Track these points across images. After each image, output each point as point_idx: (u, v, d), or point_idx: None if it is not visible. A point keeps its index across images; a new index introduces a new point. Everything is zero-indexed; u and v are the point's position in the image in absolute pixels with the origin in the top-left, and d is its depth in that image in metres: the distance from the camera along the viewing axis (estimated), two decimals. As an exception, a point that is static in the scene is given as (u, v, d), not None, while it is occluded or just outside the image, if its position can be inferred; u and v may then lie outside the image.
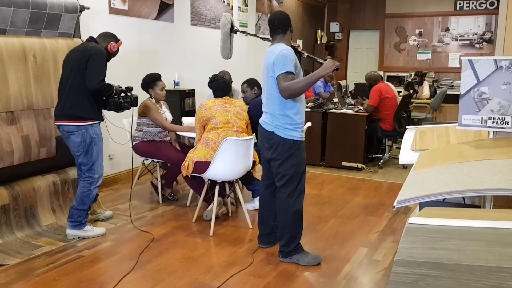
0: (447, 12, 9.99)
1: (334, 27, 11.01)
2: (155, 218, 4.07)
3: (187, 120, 4.83)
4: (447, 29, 10.06)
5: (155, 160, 4.48)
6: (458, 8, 9.89)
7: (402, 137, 6.68)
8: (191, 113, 5.74)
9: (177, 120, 5.16)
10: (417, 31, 10.31)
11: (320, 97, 7.63)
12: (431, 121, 7.62)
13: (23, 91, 3.63)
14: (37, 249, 3.33)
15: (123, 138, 4.58)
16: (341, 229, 3.85)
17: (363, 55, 11.04)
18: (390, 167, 6.14)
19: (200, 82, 6.32)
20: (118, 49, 3.57)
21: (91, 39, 3.52)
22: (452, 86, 9.56)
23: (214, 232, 3.70)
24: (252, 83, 4.51)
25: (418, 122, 7.01)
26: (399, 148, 6.82)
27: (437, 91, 8.57)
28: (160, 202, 4.47)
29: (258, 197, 4.16)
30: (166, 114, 4.53)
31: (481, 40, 9.72)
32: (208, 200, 4.00)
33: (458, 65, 9.89)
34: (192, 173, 3.77)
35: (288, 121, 3.05)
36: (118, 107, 3.48)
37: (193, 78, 6.27)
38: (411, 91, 6.23)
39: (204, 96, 6.29)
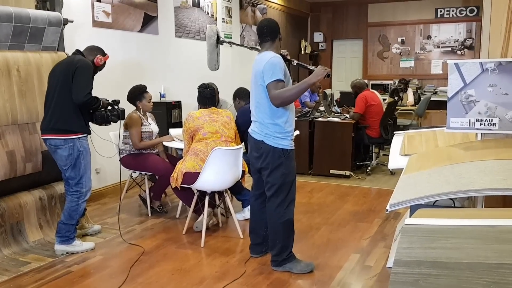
0: (428, 20, 10.16)
1: (318, 36, 11.11)
2: (144, 231, 4.02)
3: (174, 132, 4.80)
4: (428, 37, 10.22)
5: (143, 173, 4.44)
6: (439, 16, 10.06)
7: (388, 144, 6.78)
8: (178, 124, 5.71)
9: (164, 132, 5.13)
10: (399, 39, 10.45)
11: (306, 106, 7.67)
12: (417, 127, 7.70)
13: (8, 106, 3.58)
14: (25, 265, 3.26)
15: (110, 151, 4.54)
16: (332, 236, 3.85)
17: (347, 64, 11.15)
18: (378, 174, 6.17)
19: (186, 94, 6.34)
20: (104, 62, 3.55)
21: (77, 52, 3.50)
22: (436, 92, 9.70)
23: (205, 243, 3.66)
24: (234, 95, 4.52)
25: (404, 128, 7.08)
26: (386, 155, 6.95)
27: (421, 98, 8.68)
28: (149, 215, 4.42)
29: (248, 207, 4.14)
30: (152, 126, 4.49)
31: (462, 47, 9.89)
32: (198, 211, 3.97)
33: (440, 72, 10.06)
34: (181, 184, 3.74)
35: (278, 129, 3.05)
36: (105, 120, 3.45)
37: (179, 89, 6.25)
38: (396, 98, 6.30)
39: (190, 108, 6.28)
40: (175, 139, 4.50)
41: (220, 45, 4.42)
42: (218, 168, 3.62)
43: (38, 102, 3.80)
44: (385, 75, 10.53)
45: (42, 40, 3.97)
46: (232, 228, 4.04)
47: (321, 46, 11.15)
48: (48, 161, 3.77)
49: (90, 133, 3.47)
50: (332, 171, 5.98)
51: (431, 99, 8.52)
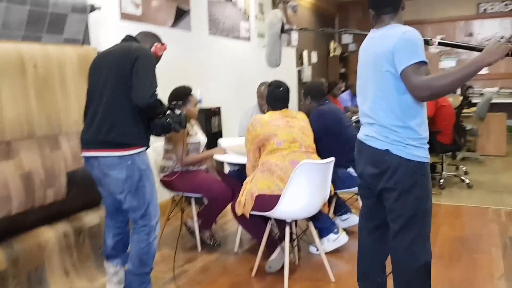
0: (470, 16, 9.32)
1: (347, 38, 10.25)
2: (200, 273, 3.09)
3: (226, 143, 3.88)
4: (470, 34, 9.36)
5: (190, 196, 3.52)
6: (481, 11, 9.21)
7: (460, 150, 5.84)
8: (217, 135, 4.81)
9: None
10: (438, 37, 9.56)
11: (348, 111, 6.78)
12: (477, 132, 6.79)
13: (22, 114, 2.68)
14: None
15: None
16: (452, 275, 2.91)
17: (379, 67, 10.25)
18: (453, 188, 5.23)
19: (225, 99, 5.45)
20: (162, 54, 2.66)
21: (129, 38, 2.59)
22: (482, 94, 8.79)
23: (288, 290, 2.75)
24: (305, 92, 3.62)
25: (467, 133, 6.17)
26: (453, 165, 6.02)
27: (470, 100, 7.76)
28: (199, 249, 3.50)
29: (329, 237, 3.24)
30: (199, 135, 3.60)
31: (509, 44, 9.00)
32: (271, 246, 3.05)
33: (485, 72, 9.16)
34: (252, 211, 2.83)
35: (411, 134, 2.13)
36: (166, 130, 2.53)
37: (217, 94, 5.36)
38: (469, 97, 5.41)
39: (231, 115, 5.39)
40: (229, 151, 3.58)
41: (283, 35, 3.56)
42: (304, 188, 2.71)
43: (61, 109, 2.91)
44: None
45: (63, 30, 3.09)
46: (315, 267, 3.12)
47: (351, 47, 10.28)
48: (73, 185, 2.88)
49: (149, 146, 2.55)
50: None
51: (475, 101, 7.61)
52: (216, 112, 4.88)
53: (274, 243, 3.06)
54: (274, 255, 3.01)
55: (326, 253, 3.28)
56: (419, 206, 2.17)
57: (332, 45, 9.84)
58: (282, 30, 3.52)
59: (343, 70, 10.08)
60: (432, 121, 5.16)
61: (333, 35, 10.12)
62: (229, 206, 3.33)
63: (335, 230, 3.33)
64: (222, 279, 2.98)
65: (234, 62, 5.93)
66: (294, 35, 7.97)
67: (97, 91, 2.41)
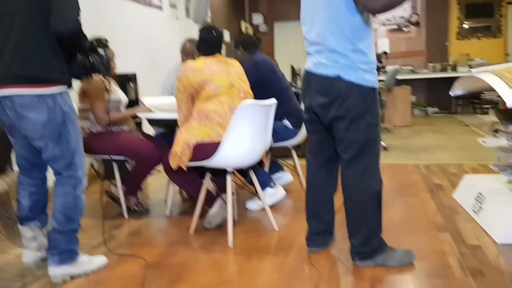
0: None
1: (257, 18, 10.24)
2: (131, 236, 2.80)
3: (148, 101, 3.55)
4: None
5: (113, 159, 3.19)
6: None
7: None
8: (134, 103, 4.47)
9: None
10: None
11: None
12: (386, 103, 7.12)
13: None
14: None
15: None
16: (389, 216, 2.93)
17: (290, 49, 10.39)
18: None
19: (140, 67, 5.10)
20: None
21: None
22: (385, 72, 9.28)
23: (233, 242, 2.57)
24: (237, 43, 3.46)
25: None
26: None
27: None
28: (126, 216, 3.19)
29: (266, 191, 3.13)
30: (119, 93, 3.28)
31: (408, 23, 9.61)
32: (210, 201, 2.84)
33: (387, 50, 9.67)
34: (190, 161, 2.60)
35: (362, 58, 2.07)
36: (90, 70, 2.19)
37: (131, 61, 4.99)
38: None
39: (146, 84, 5.07)
40: (154, 110, 3.30)
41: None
42: (247, 132, 2.54)
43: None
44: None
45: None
46: (255, 220, 2.98)
47: (262, 28, 10.29)
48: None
49: (72, 87, 2.19)
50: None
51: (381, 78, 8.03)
52: (132, 78, 4.53)
53: (211, 198, 2.86)
54: (213, 210, 2.82)
55: (262, 209, 3.17)
56: (370, 133, 2.11)
57: (243, 24, 9.77)
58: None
59: (254, 50, 10.05)
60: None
61: (244, 15, 10.06)
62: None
63: (272, 184, 3.22)
64: (157, 239, 2.72)
65: (148, 31, 5.59)
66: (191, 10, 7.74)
67: (5, 17, 2.00)
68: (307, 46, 2.24)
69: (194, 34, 7.10)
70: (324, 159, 2.30)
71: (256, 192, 3.16)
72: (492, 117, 2.77)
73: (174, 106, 3.18)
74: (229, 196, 2.61)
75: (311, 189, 2.36)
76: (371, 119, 2.11)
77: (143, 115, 3.23)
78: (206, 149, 2.56)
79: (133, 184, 3.25)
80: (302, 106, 3.50)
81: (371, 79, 2.09)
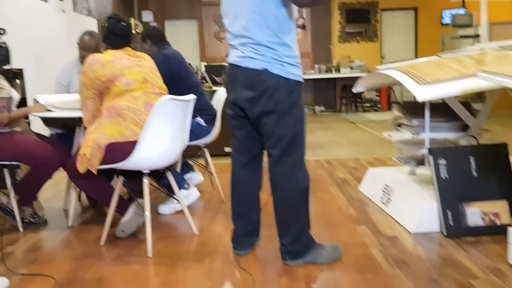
0: (261, -1, 9.96)
1: (147, 16, 9.87)
2: (31, 252, 2.45)
3: (44, 98, 3.15)
4: (263, 16, 10.03)
5: (3, 165, 2.78)
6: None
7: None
8: (23, 102, 3.99)
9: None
10: (235, 19, 10.00)
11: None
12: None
13: None
14: None
15: None
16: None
17: (181, 47, 10.15)
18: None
19: (25, 63, 4.56)
20: None
21: None
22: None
23: (152, 251, 2.38)
24: (144, 36, 3.24)
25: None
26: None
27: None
28: (21, 229, 2.80)
29: (186, 192, 2.99)
30: (9, 90, 2.88)
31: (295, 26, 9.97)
32: (122, 208, 2.60)
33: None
34: (102, 164, 2.35)
35: (287, 51, 2.04)
36: None
37: (14, 55, 4.43)
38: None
39: (34, 82, 4.56)
40: (51, 108, 2.94)
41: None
42: (166, 130, 2.37)
43: None
44: (224, 57, 9.93)
45: None
46: (171, 224, 2.81)
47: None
48: None
49: None
50: (227, 149, 5.05)
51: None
52: (18, 74, 4.03)
53: (123, 203, 2.63)
54: (126, 216, 2.58)
55: (177, 212, 3.02)
56: (298, 128, 2.10)
57: (133, 21, 9.33)
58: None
59: (145, 48, 9.67)
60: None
61: (133, 12, 9.62)
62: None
63: (186, 185, 3.07)
64: (63, 254, 2.41)
65: (31, 22, 5.03)
66: (92, 4, 7.25)
67: None
68: (231, 39, 2.15)
69: (82, 28, 6.59)
70: (250, 155, 2.23)
71: (170, 194, 3.00)
72: (395, 113, 2.94)
73: (74, 103, 2.89)
74: (146, 200, 2.41)
75: (238, 188, 2.27)
76: (299, 113, 2.09)
77: (39, 114, 2.86)
78: (120, 149, 2.33)
79: (28, 193, 2.87)
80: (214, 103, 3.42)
81: (297, 72, 2.07)
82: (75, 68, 3.41)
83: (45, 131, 3.33)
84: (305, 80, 9.39)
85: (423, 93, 2.42)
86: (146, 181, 2.43)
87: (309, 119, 8.76)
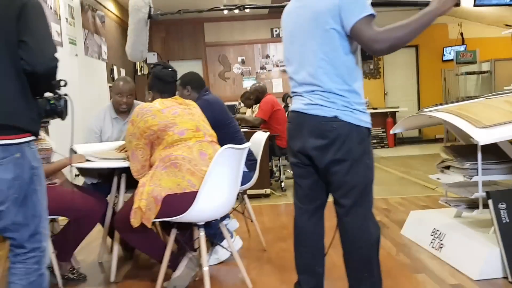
0: (265, 40, 10.11)
1: (152, 57, 9.91)
2: (80, 313, 2.32)
3: (82, 148, 3.05)
4: (267, 56, 10.15)
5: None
6: (274, 36, 10.10)
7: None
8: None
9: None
10: (239, 59, 10.11)
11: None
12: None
13: None
14: None
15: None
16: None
17: (186, 87, 10.21)
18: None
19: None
20: None
21: None
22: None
23: (210, 308, 2.26)
24: (183, 83, 3.20)
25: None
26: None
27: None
28: (61, 286, 2.66)
29: (224, 243, 2.89)
30: (48, 140, 2.80)
31: None
32: (173, 263, 2.49)
33: (281, 91, 10.02)
34: (156, 218, 2.25)
35: (357, 99, 2.00)
36: (51, 114, 1.79)
37: None
38: (289, 105, 5.74)
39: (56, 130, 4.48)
40: (91, 158, 2.85)
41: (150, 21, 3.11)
42: (224, 180, 2.30)
43: None
44: (229, 96, 9.95)
45: None
46: (222, 276, 2.69)
47: (157, 67, 9.97)
48: None
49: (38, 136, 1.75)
50: (249, 191, 4.94)
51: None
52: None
53: (174, 258, 2.51)
54: (178, 271, 2.46)
55: (218, 264, 2.91)
56: (369, 176, 2.03)
57: (138, 63, 9.37)
58: (150, 16, 3.05)
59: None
60: (266, 125, 5.28)
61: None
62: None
63: (229, 235, 2.97)
64: (115, 314, 2.29)
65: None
66: (104, 47, 7.29)
67: None
68: (295, 86, 2.11)
69: (93, 71, 6.59)
70: (315, 205, 2.16)
71: (221, 244, 2.89)
72: (442, 155, 3.02)
73: (113, 153, 2.82)
74: (204, 254, 2.30)
75: (304, 240, 2.18)
76: (369, 161, 2.03)
77: (79, 165, 2.77)
78: (178, 201, 2.24)
79: (68, 247, 2.74)
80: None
81: (367, 119, 2.02)
82: (107, 114, 3.35)
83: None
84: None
85: (484, 137, 2.39)
86: (202, 233, 2.33)
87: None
